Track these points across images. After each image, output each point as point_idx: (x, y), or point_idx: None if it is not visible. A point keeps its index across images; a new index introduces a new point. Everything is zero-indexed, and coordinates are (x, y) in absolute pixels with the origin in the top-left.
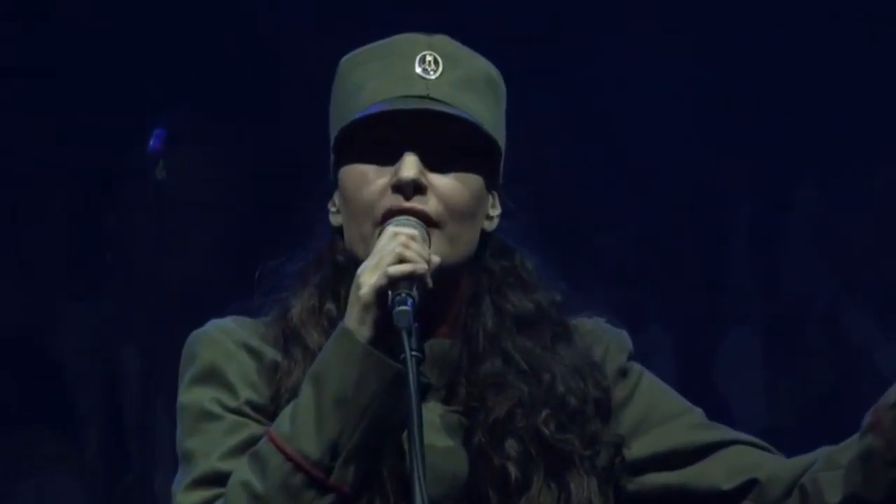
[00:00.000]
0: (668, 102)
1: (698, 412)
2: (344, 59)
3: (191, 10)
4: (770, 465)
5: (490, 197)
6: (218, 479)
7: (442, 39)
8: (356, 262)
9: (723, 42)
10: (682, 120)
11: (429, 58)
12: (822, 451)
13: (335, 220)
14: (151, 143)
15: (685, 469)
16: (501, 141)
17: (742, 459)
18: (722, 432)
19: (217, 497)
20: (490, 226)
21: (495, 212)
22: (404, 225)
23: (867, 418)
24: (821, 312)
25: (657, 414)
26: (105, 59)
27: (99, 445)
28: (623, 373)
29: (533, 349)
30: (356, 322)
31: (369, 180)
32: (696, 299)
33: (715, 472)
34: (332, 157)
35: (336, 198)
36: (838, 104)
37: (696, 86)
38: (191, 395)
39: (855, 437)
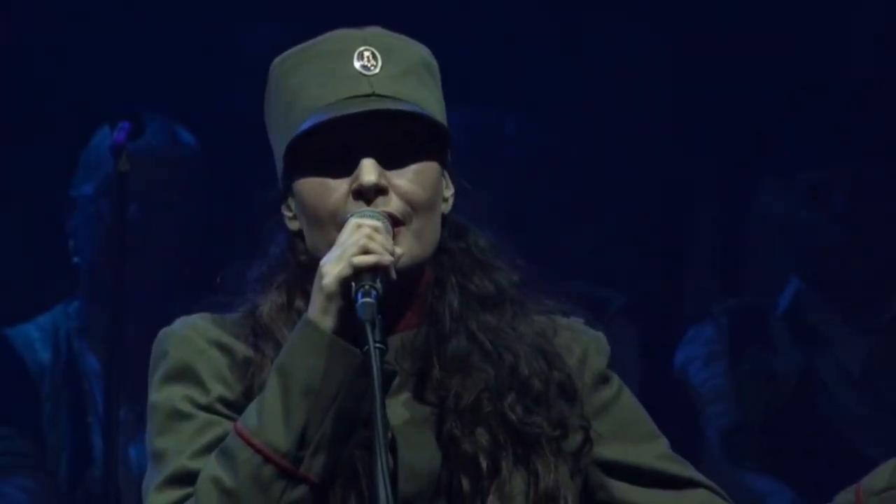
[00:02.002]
0: (633, 101)
1: (666, 441)
2: (276, 62)
3: (153, 7)
4: None
5: (444, 179)
6: (189, 479)
7: (374, 31)
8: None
9: (685, 44)
10: (647, 118)
11: (366, 53)
12: None
13: (292, 224)
14: (115, 135)
15: (652, 490)
16: (445, 122)
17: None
18: (690, 470)
19: (188, 496)
20: (446, 207)
21: (449, 192)
22: (368, 216)
23: (847, 495)
24: (785, 308)
25: (632, 430)
26: (66, 53)
27: (62, 442)
28: (604, 378)
29: (497, 328)
30: (320, 312)
31: (329, 188)
32: (663, 295)
33: None
34: (281, 165)
35: (291, 203)
36: (798, 106)
37: (662, 85)
38: (162, 394)
39: None
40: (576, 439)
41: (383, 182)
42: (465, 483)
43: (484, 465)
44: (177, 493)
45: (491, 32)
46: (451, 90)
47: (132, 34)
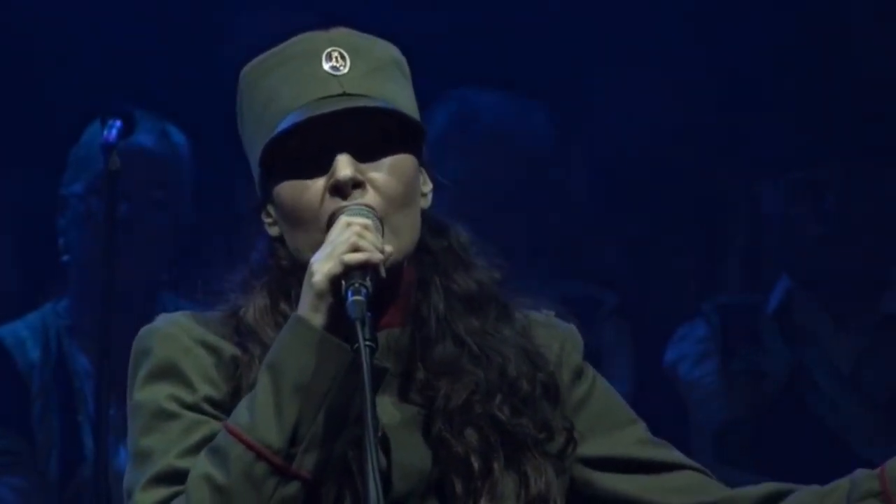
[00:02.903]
0: (622, 100)
1: (643, 425)
2: (245, 70)
3: (140, 4)
4: (722, 493)
5: (421, 174)
6: (176, 477)
7: (341, 32)
8: (303, 266)
9: (680, 38)
10: (640, 117)
11: (335, 54)
12: (775, 489)
13: (273, 230)
14: (106, 134)
15: (638, 477)
16: (418, 117)
17: (694, 483)
18: (671, 453)
19: (176, 495)
20: (425, 203)
21: (427, 188)
22: (357, 214)
23: (869, 481)
24: (776, 306)
25: (610, 419)
26: (55, 51)
27: (52, 441)
28: (579, 373)
29: (482, 330)
30: (310, 309)
31: (306, 188)
32: (654, 293)
33: (666, 491)
34: (258, 171)
35: (270, 209)
36: (792, 104)
37: (656, 82)
38: (146, 393)
39: (835, 489)
40: (559, 441)
41: (359, 176)
42: (458, 484)
43: (476, 466)
44: (164, 491)
45: (510, 24)
46: (457, 79)
47: (123, 30)
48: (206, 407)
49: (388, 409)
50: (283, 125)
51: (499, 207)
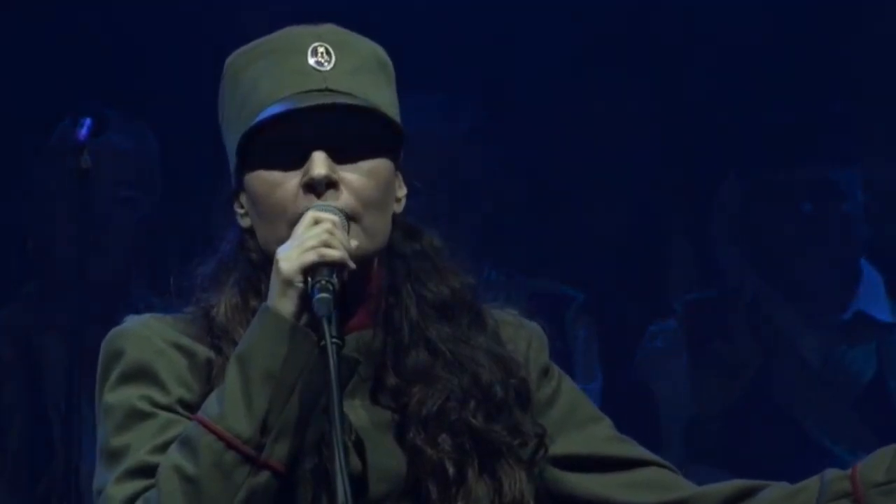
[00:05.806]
0: (600, 99)
1: (609, 421)
2: (229, 60)
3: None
4: (689, 490)
5: (397, 179)
6: (149, 471)
7: (329, 28)
8: (271, 260)
9: (655, 43)
10: (614, 116)
11: (320, 49)
12: (741, 486)
13: (244, 221)
14: (77, 132)
15: (605, 475)
16: (399, 121)
17: (662, 479)
18: (636, 449)
19: (148, 488)
20: (398, 208)
21: (401, 193)
22: (324, 210)
23: (841, 482)
24: (745, 303)
25: (576, 417)
26: (26, 44)
27: (23, 436)
28: (546, 371)
29: (455, 337)
30: (278, 299)
31: (280, 182)
32: (622, 291)
33: (633, 487)
34: (234, 160)
35: (243, 199)
36: (767, 106)
37: (629, 81)
38: (119, 394)
39: (804, 488)
40: (531, 446)
41: (334, 176)
42: (433, 489)
43: (451, 471)
44: (137, 484)
45: (471, 28)
46: (415, 78)
47: (94, 28)
48: (180, 409)
49: (359, 412)
50: (264, 115)
51: (452, 208)
